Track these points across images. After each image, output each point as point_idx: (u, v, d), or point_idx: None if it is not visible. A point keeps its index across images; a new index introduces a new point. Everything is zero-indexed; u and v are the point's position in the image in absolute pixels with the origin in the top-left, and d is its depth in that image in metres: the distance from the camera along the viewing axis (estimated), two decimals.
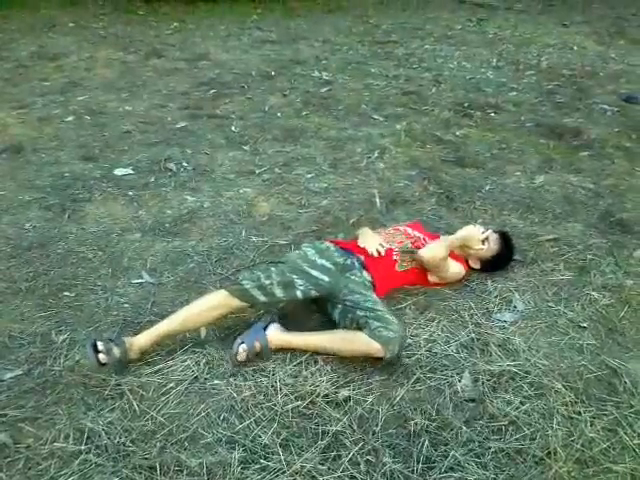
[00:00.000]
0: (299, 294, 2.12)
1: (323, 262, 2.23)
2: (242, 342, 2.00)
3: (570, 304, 2.36)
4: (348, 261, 2.29)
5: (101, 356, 1.92)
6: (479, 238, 2.44)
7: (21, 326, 2.24)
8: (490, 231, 2.50)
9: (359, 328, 2.04)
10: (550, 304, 2.36)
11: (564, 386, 1.95)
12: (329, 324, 2.20)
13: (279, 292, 2.09)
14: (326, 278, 2.17)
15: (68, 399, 1.90)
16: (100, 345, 1.93)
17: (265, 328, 2.08)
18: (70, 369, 2.02)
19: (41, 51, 6.56)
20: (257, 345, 2.01)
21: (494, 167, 3.59)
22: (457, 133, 4.11)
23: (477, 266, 2.51)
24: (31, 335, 2.19)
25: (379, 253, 2.32)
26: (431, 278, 2.44)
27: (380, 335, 1.96)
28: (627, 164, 3.60)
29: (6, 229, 2.94)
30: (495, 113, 4.47)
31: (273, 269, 2.14)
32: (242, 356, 1.99)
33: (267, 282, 2.09)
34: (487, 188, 3.32)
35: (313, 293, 2.15)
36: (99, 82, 5.43)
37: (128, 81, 5.47)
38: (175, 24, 7.86)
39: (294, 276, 2.12)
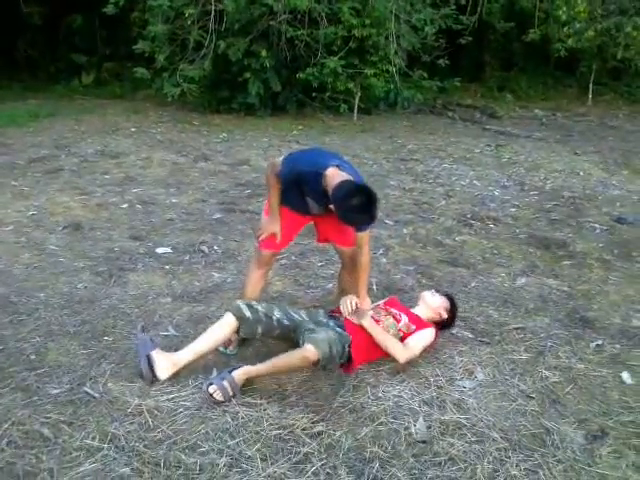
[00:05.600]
0: (274, 319, 2.78)
1: (303, 316, 2.87)
2: (210, 383, 2.48)
3: (523, 378, 2.77)
4: (324, 319, 2.84)
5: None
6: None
7: (67, 358, 2.78)
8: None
9: None
10: (506, 377, 2.78)
11: (501, 437, 2.34)
12: None
13: (261, 311, 2.75)
14: (299, 318, 2.83)
15: (99, 412, 2.39)
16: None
17: (230, 372, 2.55)
18: (103, 392, 2.52)
19: (105, 150, 7.53)
20: (225, 383, 2.47)
21: (483, 268, 4.09)
22: (456, 239, 4.66)
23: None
24: (74, 365, 2.72)
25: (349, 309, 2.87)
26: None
27: (309, 337, 2.55)
28: (603, 273, 4.04)
29: (61, 287, 3.54)
30: (494, 225, 5.03)
31: (263, 303, 2.87)
32: (218, 394, 2.44)
33: (255, 305, 2.79)
34: (473, 284, 3.81)
35: (285, 322, 2.79)
36: (152, 178, 6.25)
37: (177, 179, 6.28)
38: (224, 134, 8.85)
39: (276, 309, 2.83)
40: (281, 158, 2.87)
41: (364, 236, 2.88)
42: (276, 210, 2.94)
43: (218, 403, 2.45)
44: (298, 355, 2.54)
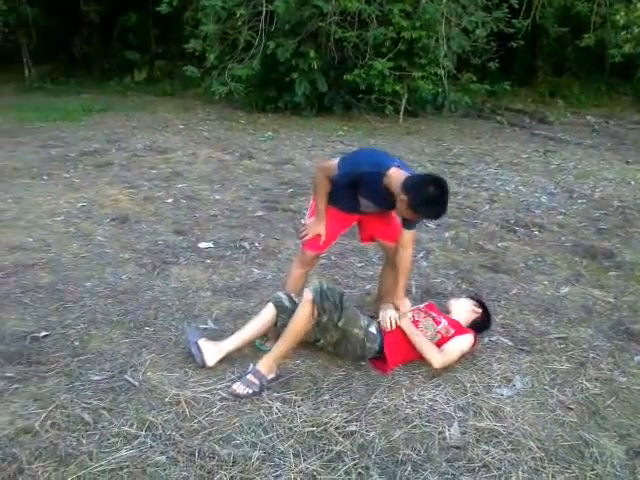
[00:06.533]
0: None
1: None
2: (236, 381, 2.56)
3: (563, 389, 2.71)
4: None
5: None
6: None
7: (109, 346, 2.85)
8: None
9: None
10: (545, 387, 2.72)
11: (538, 447, 2.30)
12: None
13: (298, 301, 2.74)
14: None
15: (137, 400, 2.44)
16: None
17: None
18: (143, 380, 2.58)
19: (153, 145, 7.69)
20: (248, 376, 2.54)
21: (525, 275, 4.01)
22: (499, 244, 4.59)
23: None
24: (116, 353, 2.79)
25: (390, 325, 2.85)
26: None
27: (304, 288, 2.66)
28: None
29: (107, 277, 3.64)
30: (539, 232, 4.93)
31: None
32: (240, 388, 2.50)
33: (294, 298, 2.83)
34: (514, 291, 3.74)
35: None
36: (197, 174, 6.36)
37: (221, 176, 6.37)
38: (269, 133, 8.94)
39: None
40: (335, 161, 2.88)
41: (410, 234, 2.91)
42: (323, 212, 2.99)
43: (246, 396, 2.49)
44: (299, 310, 2.62)
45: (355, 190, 2.88)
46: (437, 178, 2.68)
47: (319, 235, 3.02)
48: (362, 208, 2.98)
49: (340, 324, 2.68)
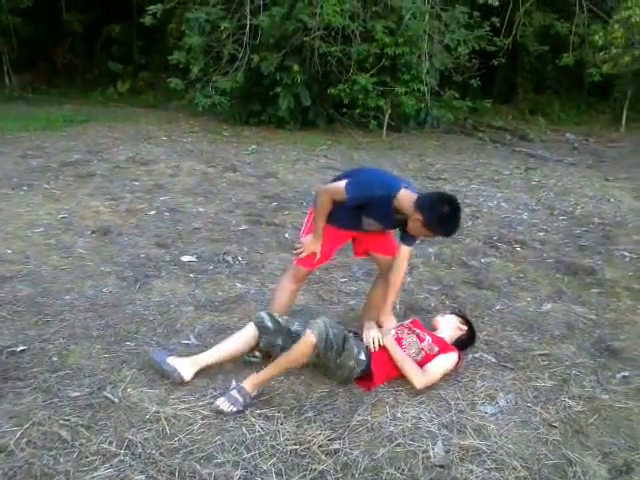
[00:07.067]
0: (292, 331, 2.76)
1: None
2: (220, 397, 2.51)
3: (546, 406, 2.71)
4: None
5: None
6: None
7: (89, 362, 2.80)
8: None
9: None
10: (528, 404, 2.72)
11: (521, 465, 2.29)
12: None
13: (282, 323, 2.75)
14: None
15: (117, 417, 2.39)
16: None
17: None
18: (122, 397, 2.53)
19: (136, 157, 7.64)
20: (233, 392, 2.49)
21: (508, 292, 4.03)
22: (482, 260, 4.61)
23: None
24: (95, 369, 2.73)
25: (374, 346, 2.83)
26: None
27: (307, 324, 2.59)
28: (632, 303, 3.95)
29: (87, 290, 3.59)
30: (521, 248, 4.96)
31: (285, 317, 2.89)
32: (224, 404, 2.46)
33: (277, 317, 2.79)
34: (497, 307, 3.75)
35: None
36: (181, 187, 6.32)
37: (205, 188, 6.34)
38: (253, 146, 8.93)
39: (296, 321, 2.85)
40: (342, 184, 2.85)
41: (407, 250, 2.97)
42: (321, 231, 3.00)
43: (229, 414, 2.45)
44: (298, 343, 2.54)
45: (360, 210, 2.90)
46: (450, 197, 2.75)
47: (314, 254, 3.03)
48: (364, 226, 3.00)
49: (338, 361, 2.65)
